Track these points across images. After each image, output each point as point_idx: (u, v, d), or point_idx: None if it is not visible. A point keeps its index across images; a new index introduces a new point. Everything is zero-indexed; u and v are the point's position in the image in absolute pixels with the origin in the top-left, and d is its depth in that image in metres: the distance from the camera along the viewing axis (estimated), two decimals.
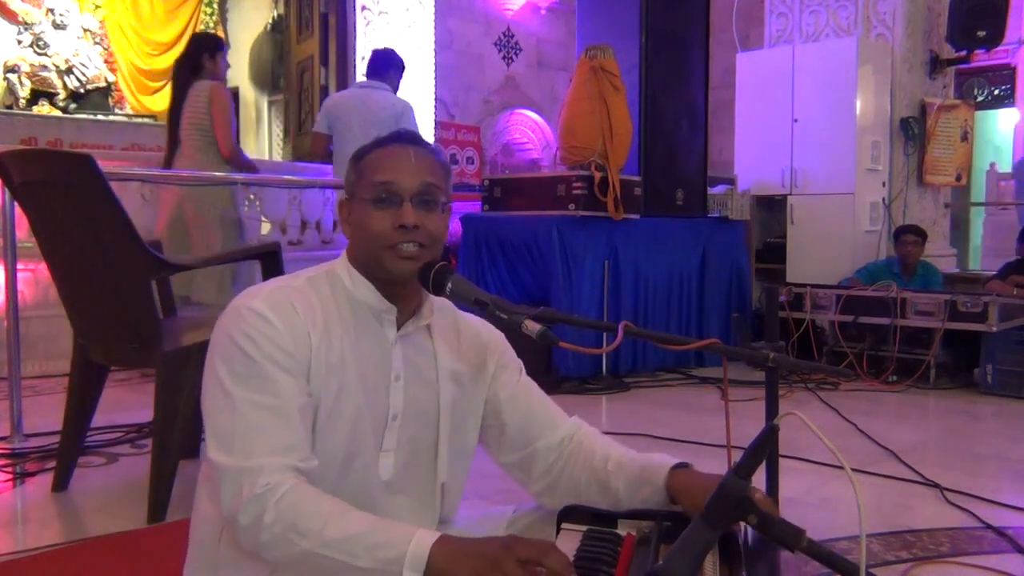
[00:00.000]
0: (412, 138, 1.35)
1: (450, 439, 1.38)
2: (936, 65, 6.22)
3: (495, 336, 1.45)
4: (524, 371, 1.48)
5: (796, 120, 5.94)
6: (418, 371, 1.35)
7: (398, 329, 1.33)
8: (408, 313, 1.34)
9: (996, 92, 9.56)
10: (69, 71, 8.91)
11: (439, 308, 1.39)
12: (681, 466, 1.31)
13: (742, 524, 1.06)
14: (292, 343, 1.21)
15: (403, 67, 5.11)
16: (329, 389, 1.24)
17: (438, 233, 1.31)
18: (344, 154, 4.69)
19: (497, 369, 1.44)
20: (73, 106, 8.85)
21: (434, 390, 1.36)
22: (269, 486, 1.12)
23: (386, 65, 4.99)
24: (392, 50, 5.22)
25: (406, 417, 1.32)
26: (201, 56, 4.53)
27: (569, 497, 1.37)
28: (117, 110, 9.17)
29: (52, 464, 2.78)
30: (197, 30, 9.79)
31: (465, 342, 1.42)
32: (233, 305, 1.25)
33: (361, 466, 1.28)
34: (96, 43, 9.23)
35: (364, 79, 5.09)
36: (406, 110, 4.81)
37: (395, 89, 4.97)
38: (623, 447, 1.41)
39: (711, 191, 5.58)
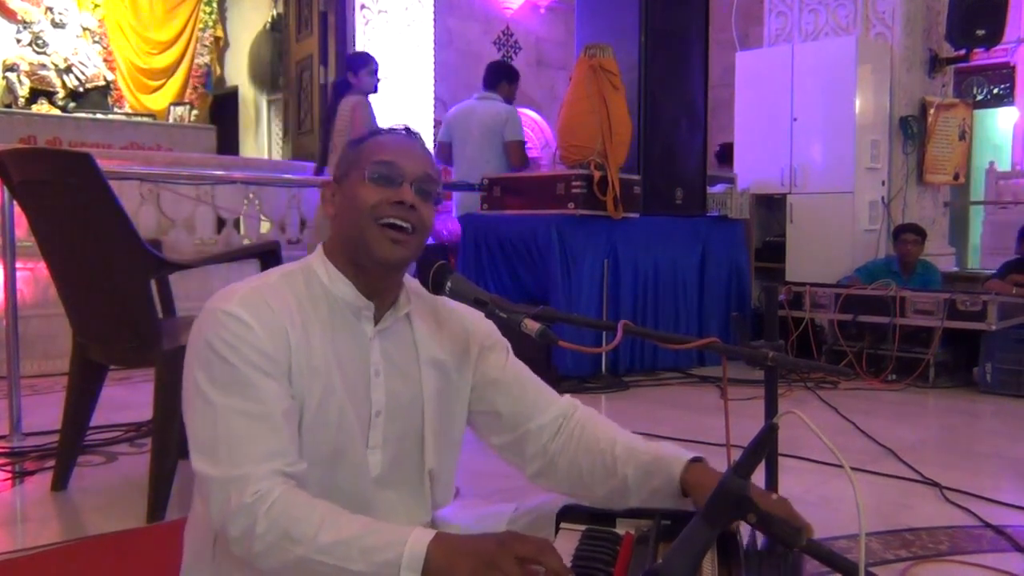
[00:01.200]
0: (415, 135, 1.37)
1: (436, 427, 1.35)
2: (935, 64, 6.22)
3: (478, 319, 1.42)
4: (511, 352, 1.45)
5: (795, 119, 5.94)
6: (398, 364, 1.33)
7: (376, 323, 1.31)
8: (386, 307, 1.32)
9: (995, 91, 9.54)
10: (68, 70, 8.90)
11: (415, 294, 1.37)
12: (696, 460, 1.29)
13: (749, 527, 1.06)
14: (271, 345, 1.18)
15: (513, 75, 5.59)
16: (312, 390, 1.22)
17: (429, 223, 1.30)
18: (462, 158, 5.44)
19: (482, 352, 1.41)
20: (72, 105, 8.85)
21: (416, 381, 1.34)
22: (259, 494, 1.10)
23: (496, 76, 5.50)
24: (503, 62, 5.80)
25: (390, 412, 1.30)
26: (347, 74, 5.02)
27: (568, 480, 1.35)
28: (116, 109, 9.17)
29: (51, 463, 2.78)
30: (196, 29, 9.81)
31: (447, 328, 1.39)
32: (208, 308, 1.21)
33: (349, 464, 1.27)
34: (95, 42, 9.23)
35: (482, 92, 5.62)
36: (510, 115, 5.36)
37: (507, 97, 5.45)
38: (627, 432, 1.38)
39: (710, 190, 5.58)
